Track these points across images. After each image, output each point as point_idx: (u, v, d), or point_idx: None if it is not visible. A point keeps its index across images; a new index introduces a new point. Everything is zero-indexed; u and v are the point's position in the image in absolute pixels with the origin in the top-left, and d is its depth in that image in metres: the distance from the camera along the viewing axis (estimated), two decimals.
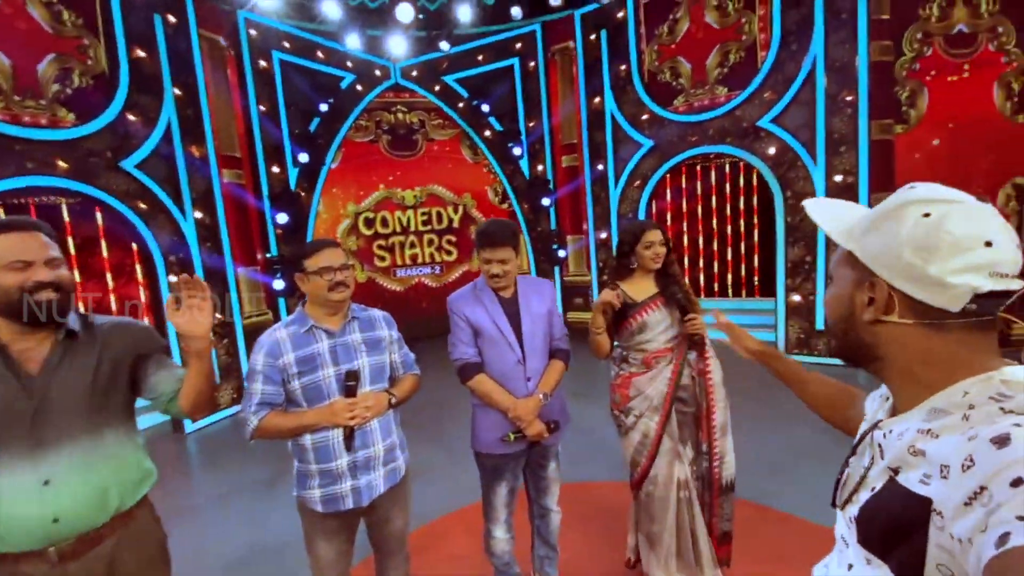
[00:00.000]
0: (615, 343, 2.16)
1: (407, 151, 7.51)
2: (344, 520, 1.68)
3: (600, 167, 6.64)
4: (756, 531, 2.54)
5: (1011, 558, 0.41)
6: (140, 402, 1.38)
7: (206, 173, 5.15)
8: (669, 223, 7.05)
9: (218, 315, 5.20)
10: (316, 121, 6.32)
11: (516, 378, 1.90)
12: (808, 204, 0.72)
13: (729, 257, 6.93)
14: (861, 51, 4.81)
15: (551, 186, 7.07)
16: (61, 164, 4.04)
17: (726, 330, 1.41)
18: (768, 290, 6.13)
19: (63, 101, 4.12)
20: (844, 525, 0.69)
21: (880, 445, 0.64)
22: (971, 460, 0.50)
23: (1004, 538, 0.43)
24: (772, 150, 5.34)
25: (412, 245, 7.70)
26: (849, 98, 4.89)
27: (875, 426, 0.66)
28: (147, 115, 4.63)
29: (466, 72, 7.02)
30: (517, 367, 1.90)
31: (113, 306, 5.06)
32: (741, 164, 6.22)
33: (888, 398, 0.70)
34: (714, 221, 6.94)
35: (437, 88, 6.94)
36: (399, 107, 7.30)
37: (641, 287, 2.11)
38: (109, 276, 5.13)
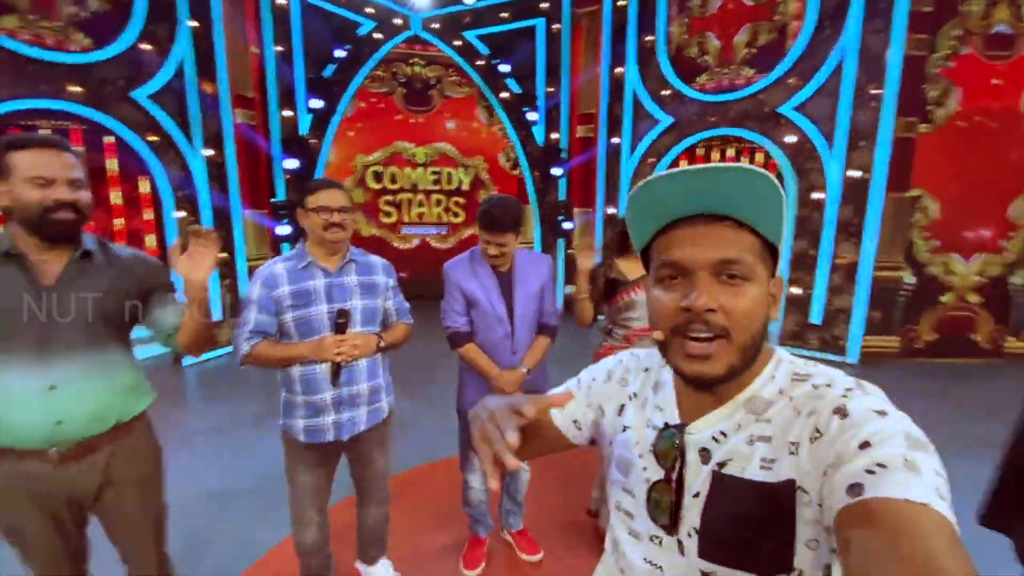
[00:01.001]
0: (601, 316, 2.22)
1: (422, 106, 7.39)
2: (325, 453, 1.77)
3: (615, 140, 6.54)
4: None
5: (865, 506, 0.45)
6: (141, 332, 1.45)
7: (217, 111, 5.12)
8: None
9: (223, 254, 5.27)
10: (331, 67, 6.21)
11: (503, 350, 1.96)
12: None
13: None
14: (895, 43, 4.64)
15: (564, 155, 6.98)
16: (74, 89, 4.02)
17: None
18: None
19: (78, 24, 4.06)
20: (663, 549, 0.64)
21: (706, 448, 0.62)
22: (818, 432, 0.54)
23: (855, 488, 0.46)
24: (791, 138, 5.23)
25: (420, 204, 7.69)
26: (876, 92, 4.75)
27: (679, 430, 0.64)
28: (161, 45, 4.57)
29: (488, 29, 6.83)
30: (505, 340, 1.96)
31: (120, 236, 5.13)
32: (758, 150, 6.11)
33: (661, 408, 0.68)
34: None
35: (457, 43, 6.77)
36: (417, 60, 7.15)
37: (636, 266, 2.15)
38: (118, 205, 5.18)
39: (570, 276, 7.18)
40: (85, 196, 1.25)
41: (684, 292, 0.58)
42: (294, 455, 1.77)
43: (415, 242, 7.80)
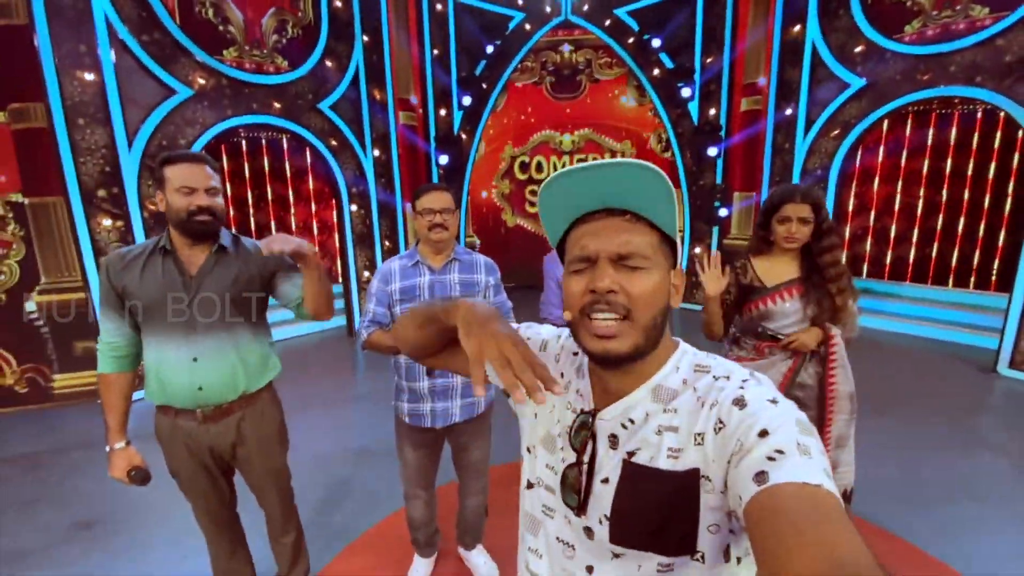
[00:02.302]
0: (732, 321, 1.90)
1: (569, 93, 7.31)
2: (427, 436, 1.87)
3: (788, 111, 5.63)
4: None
5: (773, 494, 0.48)
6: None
7: (384, 115, 5.74)
8: (876, 187, 5.76)
9: (387, 243, 5.95)
10: (482, 64, 6.48)
11: None
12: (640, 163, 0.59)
13: (959, 235, 5.44)
14: None
15: (722, 133, 6.26)
16: (276, 105, 4.88)
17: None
18: (1004, 284, 4.71)
19: (279, 50, 4.91)
20: (574, 529, 0.69)
21: (615, 435, 0.66)
22: (721, 423, 0.58)
23: (761, 476, 0.49)
24: None
25: None
26: None
27: (591, 416, 0.68)
28: (340, 61, 5.28)
29: (640, 3, 6.41)
30: None
31: (315, 227, 6.15)
32: (1001, 114, 4.66)
33: (581, 394, 0.71)
34: (945, 188, 5.45)
35: (607, 23, 6.49)
36: (565, 45, 7.06)
37: (777, 268, 1.78)
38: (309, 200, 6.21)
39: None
40: (219, 203, 1.48)
41: (591, 278, 0.62)
42: (401, 433, 1.91)
43: None
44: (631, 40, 6.46)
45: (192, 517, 1.68)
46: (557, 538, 0.71)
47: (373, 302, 1.77)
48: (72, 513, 2.63)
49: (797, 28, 5.41)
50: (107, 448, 1.48)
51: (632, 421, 0.65)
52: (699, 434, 0.59)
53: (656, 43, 6.35)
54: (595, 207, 0.64)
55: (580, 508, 0.67)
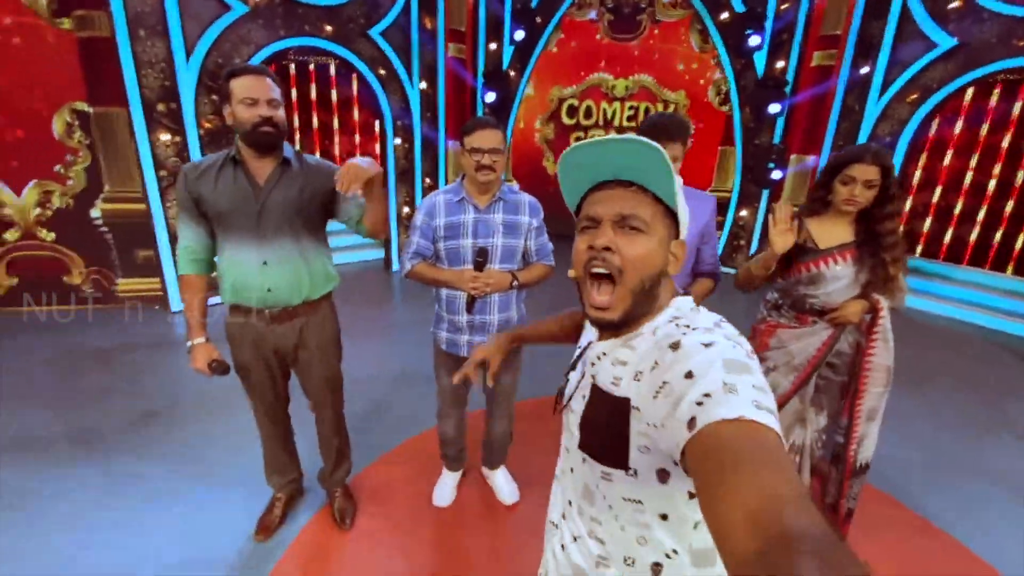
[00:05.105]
0: (775, 284, 1.87)
1: (628, 34, 6.90)
2: (462, 362, 1.98)
3: (864, 70, 5.20)
4: (875, 521, 2.21)
5: (703, 437, 0.52)
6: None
7: (433, 46, 5.58)
8: (948, 161, 5.38)
9: (427, 179, 5.96)
10: None
11: None
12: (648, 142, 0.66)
13: None
14: None
15: (787, 89, 5.86)
16: (327, 28, 4.81)
17: None
18: None
19: None
20: (568, 435, 0.85)
21: (592, 362, 0.79)
22: (655, 363, 0.65)
23: (691, 423, 0.53)
24: None
25: None
26: None
27: (588, 347, 0.83)
28: None
29: None
30: None
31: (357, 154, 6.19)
32: None
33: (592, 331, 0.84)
34: (1022, 168, 5.03)
35: None
36: None
37: (832, 230, 1.73)
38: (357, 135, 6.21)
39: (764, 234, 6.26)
40: (280, 114, 1.54)
41: (592, 236, 0.73)
42: (438, 359, 2.03)
43: None
44: None
45: (243, 417, 1.87)
46: (565, 447, 0.88)
47: (417, 234, 1.82)
48: (143, 403, 2.93)
49: None
50: (188, 343, 1.64)
51: (605, 354, 0.77)
52: (639, 371, 0.68)
53: None
54: (607, 178, 0.73)
55: (563, 409, 0.87)
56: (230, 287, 1.63)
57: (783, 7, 5.79)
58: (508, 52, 6.23)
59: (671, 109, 7.09)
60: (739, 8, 5.92)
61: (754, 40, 5.85)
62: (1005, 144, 5.09)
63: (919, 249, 5.76)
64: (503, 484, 2.28)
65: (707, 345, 0.60)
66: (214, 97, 4.22)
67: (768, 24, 5.86)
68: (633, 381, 0.68)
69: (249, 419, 1.95)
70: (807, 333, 1.78)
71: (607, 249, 0.70)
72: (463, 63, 5.94)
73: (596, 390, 0.75)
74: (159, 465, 2.42)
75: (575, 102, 7.24)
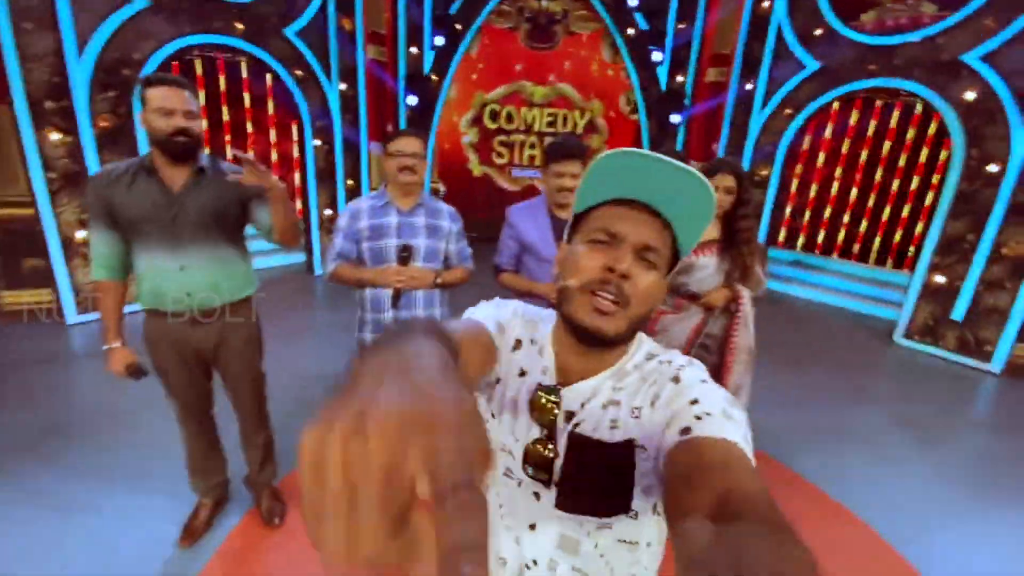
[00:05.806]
0: None
1: (544, 43, 7.23)
2: None
3: (749, 86, 5.88)
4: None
5: (693, 443, 0.55)
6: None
7: (352, 48, 5.56)
8: (820, 165, 6.18)
9: (350, 181, 5.91)
10: (457, 3, 6.31)
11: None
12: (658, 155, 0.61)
13: (884, 218, 5.97)
14: None
15: (687, 101, 6.47)
16: (238, 25, 4.66)
17: None
18: (906, 262, 5.30)
19: None
20: (524, 492, 0.70)
21: (572, 411, 0.69)
22: (657, 396, 0.66)
23: (686, 430, 0.57)
24: (970, 94, 4.29)
25: (532, 146, 7.72)
26: None
27: (552, 391, 0.70)
28: None
29: None
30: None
31: (274, 156, 6.00)
32: (919, 106, 5.08)
33: (546, 370, 0.73)
34: (878, 172, 5.90)
35: None
36: None
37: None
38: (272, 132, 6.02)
39: None
40: (196, 125, 1.59)
41: (611, 256, 0.64)
42: None
43: (526, 183, 7.91)
44: None
45: (159, 426, 1.86)
46: (510, 508, 0.72)
47: (341, 236, 1.92)
48: (41, 419, 2.76)
49: (766, 3, 5.57)
50: (104, 347, 1.63)
51: (591, 396, 0.70)
52: (636, 408, 0.67)
53: (633, 1, 6.35)
54: (640, 197, 0.65)
55: (548, 481, 0.69)
56: (148, 292, 1.65)
57: (680, 26, 6.39)
58: (429, 57, 6.33)
59: (587, 116, 7.53)
60: (643, 25, 6.44)
61: (656, 55, 6.40)
62: (863, 155, 5.95)
63: (799, 243, 6.57)
64: None
65: (704, 382, 0.65)
66: (111, 94, 3.97)
67: (668, 41, 6.43)
68: (632, 419, 0.67)
69: (167, 427, 1.95)
70: (684, 317, 2.10)
71: (623, 276, 0.63)
72: (383, 66, 5.96)
73: (581, 442, 0.67)
74: (69, 479, 2.31)
75: (497, 107, 7.46)
